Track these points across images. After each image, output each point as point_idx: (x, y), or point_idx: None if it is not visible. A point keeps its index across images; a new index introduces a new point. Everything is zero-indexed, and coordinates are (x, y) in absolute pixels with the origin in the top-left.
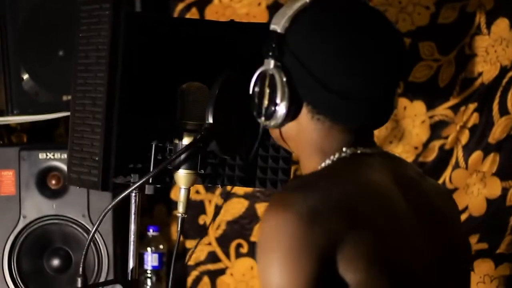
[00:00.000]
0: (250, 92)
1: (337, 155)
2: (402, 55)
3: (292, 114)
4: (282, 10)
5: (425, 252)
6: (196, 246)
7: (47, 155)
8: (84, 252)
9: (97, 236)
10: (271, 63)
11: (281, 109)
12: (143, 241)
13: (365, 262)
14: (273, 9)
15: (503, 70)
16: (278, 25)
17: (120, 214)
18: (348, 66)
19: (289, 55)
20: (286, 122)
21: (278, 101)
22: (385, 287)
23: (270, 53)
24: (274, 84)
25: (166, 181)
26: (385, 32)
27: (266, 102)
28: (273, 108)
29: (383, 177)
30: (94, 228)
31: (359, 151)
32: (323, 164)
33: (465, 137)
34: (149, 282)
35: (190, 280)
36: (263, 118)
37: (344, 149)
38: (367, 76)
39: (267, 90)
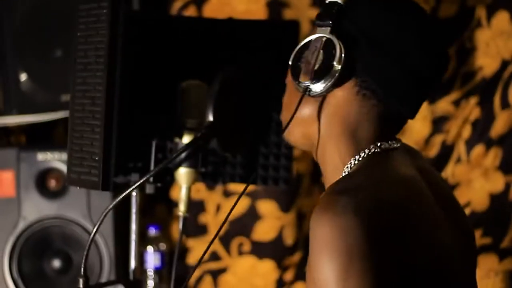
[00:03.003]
0: (292, 59)
1: (372, 149)
2: (448, 55)
3: (342, 79)
4: None
5: (453, 245)
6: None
7: (46, 156)
8: (85, 253)
9: (98, 236)
10: (327, 30)
11: (333, 72)
12: (144, 241)
13: (415, 260)
14: (271, 6)
15: (504, 64)
16: None
17: (120, 214)
18: (411, 39)
19: (350, 24)
20: (332, 88)
21: (334, 62)
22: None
23: (329, 21)
24: (330, 49)
25: (167, 180)
26: (436, 26)
27: (317, 65)
28: (323, 71)
29: (412, 171)
30: (95, 229)
31: (390, 146)
32: (357, 158)
33: (466, 132)
34: (150, 282)
35: (192, 279)
36: (308, 82)
37: (378, 143)
38: (426, 55)
39: (321, 54)
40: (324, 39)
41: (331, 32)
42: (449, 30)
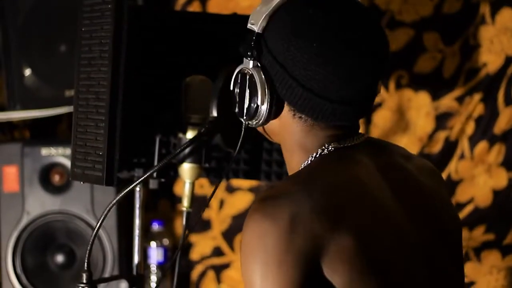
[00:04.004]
0: (231, 90)
1: (319, 152)
2: (383, 55)
3: (273, 113)
4: (259, 7)
5: (414, 242)
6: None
7: (50, 151)
8: (88, 248)
9: (101, 231)
10: (250, 63)
11: (263, 109)
12: (147, 236)
13: (349, 265)
14: None
15: (508, 60)
16: (255, 24)
17: (124, 209)
18: (326, 67)
19: (267, 54)
20: (268, 121)
21: (259, 102)
22: (372, 287)
23: (249, 53)
24: (254, 84)
25: (171, 175)
26: (366, 31)
27: (247, 102)
28: (254, 108)
29: (366, 169)
30: (99, 223)
31: (341, 145)
32: (305, 162)
33: (470, 128)
34: (154, 277)
35: (195, 274)
36: (245, 118)
37: (326, 145)
38: (345, 77)
39: (248, 90)
40: (248, 75)
41: (254, 66)
42: (371, 13)
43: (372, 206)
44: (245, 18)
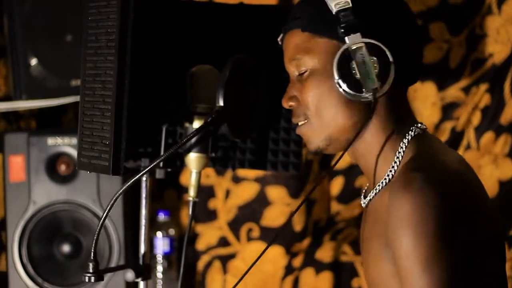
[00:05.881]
0: (336, 72)
1: (412, 133)
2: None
3: (396, 74)
4: None
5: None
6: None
7: (56, 141)
8: (95, 237)
9: (107, 221)
10: (358, 35)
11: (392, 67)
12: (153, 226)
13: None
14: None
15: None
16: (344, 2)
17: (130, 199)
18: (408, 18)
19: (369, 20)
20: (394, 83)
21: (390, 59)
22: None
23: (355, 27)
24: (376, 49)
25: (177, 165)
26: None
27: (376, 68)
28: (385, 69)
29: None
30: (105, 213)
31: (424, 127)
32: (404, 141)
33: (476, 118)
34: (160, 267)
35: (201, 264)
36: (378, 84)
37: (417, 124)
38: (416, 28)
39: (372, 58)
40: (364, 45)
41: (364, 36)
42: None
43: (483, 192)
44: (252, 7)
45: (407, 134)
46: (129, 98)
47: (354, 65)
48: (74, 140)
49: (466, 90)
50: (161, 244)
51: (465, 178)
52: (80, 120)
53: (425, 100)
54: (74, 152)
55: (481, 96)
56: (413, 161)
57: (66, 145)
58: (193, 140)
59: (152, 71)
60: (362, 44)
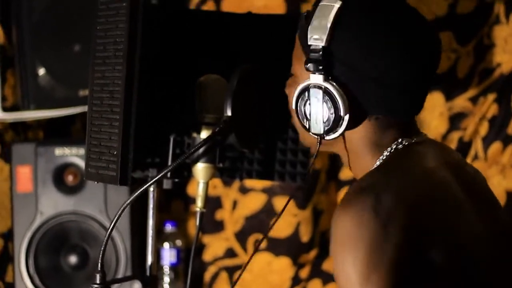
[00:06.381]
0: (294, 105)
1: (394, 147)
2: (438, 48)
3: (354, 122)
4: (317, 22)
5: (485, 239)
6: None
7: (64, 151)
8: (102, 248)
9: (114, 232)
10: (320, 77)
11: (345, 119)
12: (160, 237)
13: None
14: (290, 1)
15: None
16: (320, 39)
17: (137, 209)
18: (401, 59)
19: (339, 65)
20: (347, 129)
21: (341, 113)
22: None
23: (320, 67)
24: (332, 97)
25: (184, 175)
26: (421, 25)
27: (325, 116)
28: (334, 121)
29: (437, 164)
30: (112, 224)
31: (413, 140)
32: (381, 158)
33: (484, 129)
34: (166, 278)
35: (208, 276)
36: (324, 131)
37: (399, 140)
38: (416, 67)
39: (325, 104)
40: (321, 88)
41: (326, 80)
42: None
43: (453, 202)
44: (260, 17)
45: (385, 151)
46: (137, 108)
47: (308, 105)
48: (81, 151)
49: (474, 100)
50: (168, 255)
51: (413, 203)
52: (88, 130)
53: (432, 110)
54: (81, 163)
55: (489, 106)
56: (362, 180)
57: (74, 155)
58: (201, 150)
59: (160, 81)
60: (320, 89)
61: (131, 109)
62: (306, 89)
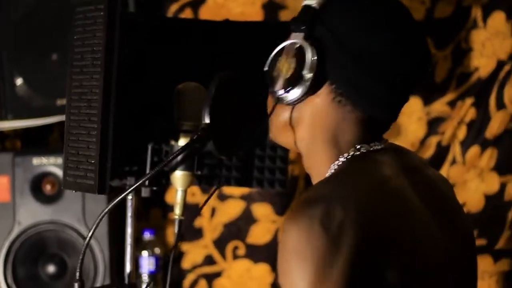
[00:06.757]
0: (267, 65)
1: (351, 153)
2: (428, 54)
3: (314, 88)
4: None
5: (442, 245)
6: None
7: (41, 161)
8: (80, 257)
9: (93, 240)
10: (301, 35)
11: (306, 77)
12: (138, 245)
13: (397, 272)
14: (267, 9)
15: (500, 64)
16: (313, 1)
17: (115, 218)
18: (388, 49)
19: (323, 30)
20: (305, 96)
21: (305, 71)
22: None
23: (303, 27)
24: (302, 56)
25: (163, 183)
26: (416, 27)
27: (289, 73)
28: (296, 78)
29: (394, 172)
30: (91, 233)
31: (371, 148)
32: (336, 163)
33: (462, 133)
34: (145, 286)
35: (187, 283)
36: (281, 91)
37: (357, 146)
38: (404, 62)
39: (293, 61)
40: (296, 45)
41: (305, 38)
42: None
43: (409, 215)
44: (238, 24)
45: (341, 156)
46: (114, 117)
47: (278, 62)
48: (59, 160)
49: (452, 104)
50: (147, 263)
51: (365, 216)
52: (65, 139)
53: (410, 115)
54: (59, 172)
55: (467, 110)
56: (313, 189)
57: (52, 164)
58: (179, 158)
59: (138, 89)
60: (296, 44)
61: (109, 118)
62: (282, 48)
